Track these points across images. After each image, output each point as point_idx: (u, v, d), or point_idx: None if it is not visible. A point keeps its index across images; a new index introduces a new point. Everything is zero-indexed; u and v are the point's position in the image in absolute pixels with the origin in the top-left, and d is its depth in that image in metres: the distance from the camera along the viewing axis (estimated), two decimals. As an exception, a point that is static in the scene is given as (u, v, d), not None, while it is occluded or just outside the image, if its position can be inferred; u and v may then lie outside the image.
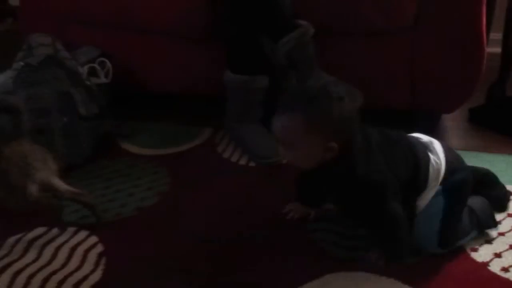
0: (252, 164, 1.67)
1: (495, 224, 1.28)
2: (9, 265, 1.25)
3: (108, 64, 1.84)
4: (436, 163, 1.18)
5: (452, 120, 1.89)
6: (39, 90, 1.57)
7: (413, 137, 1.24)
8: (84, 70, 1.75)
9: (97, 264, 1.25)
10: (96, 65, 1.82)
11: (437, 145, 1.22)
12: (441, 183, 1.19)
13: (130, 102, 2.00)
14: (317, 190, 1.30)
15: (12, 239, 1.35)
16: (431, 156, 1.18)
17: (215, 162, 1.69)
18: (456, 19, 1.56)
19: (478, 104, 1.92)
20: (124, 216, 1.44)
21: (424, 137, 1.24)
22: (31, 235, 1.36)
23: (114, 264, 1.25)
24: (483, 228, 1.25)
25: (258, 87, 1.69)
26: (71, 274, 1.22)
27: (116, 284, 1.19)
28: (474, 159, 1.56)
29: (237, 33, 1.64)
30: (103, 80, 1.82)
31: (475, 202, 1.26)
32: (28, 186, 1.22)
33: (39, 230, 1.38)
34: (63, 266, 1.25)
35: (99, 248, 1.31)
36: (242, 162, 1.68)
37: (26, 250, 1.31)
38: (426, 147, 1.20)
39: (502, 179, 1.43)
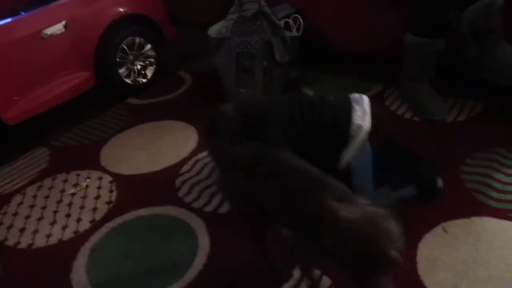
0: (416, 118, 1.85)
1: (436, 190, 1.39)
2: (219, 165, 1.72)
3: (300, 20, 2.16)
4: (361, 113, 1.35)
5: None
6: (249, 37, 1.96)
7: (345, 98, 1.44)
8: (281, 23, 2.10)
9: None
10: (290, 20, 2.16)
11: (366, 100, 1.39)
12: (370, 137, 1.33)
13: (315, 55, 2.30)
14: None
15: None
16: (357, 107, 1.36)
17: (383, 113, 1.91)
18: None
19: None
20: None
21: (356, 94, 1.43)
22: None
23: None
24: (422, 189, 1.37)
25: (436, 49, 1.81)
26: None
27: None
28: None
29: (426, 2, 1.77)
30: (294, 33, 2.15)
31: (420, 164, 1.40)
32: None
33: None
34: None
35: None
36: (407, 116, 1.87)
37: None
38: (353, 100, 1.40)
39: None
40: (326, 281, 1.21)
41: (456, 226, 1.32)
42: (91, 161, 1.85)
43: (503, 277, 1.15)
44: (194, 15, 3.13)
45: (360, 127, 1.35)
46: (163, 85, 2.42)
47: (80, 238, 1.47)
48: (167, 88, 2.38)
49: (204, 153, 1.80)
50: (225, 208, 1.51)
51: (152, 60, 2.40)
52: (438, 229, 1.32)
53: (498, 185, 1.45)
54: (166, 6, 2.52)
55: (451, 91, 1.96)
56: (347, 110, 1.38)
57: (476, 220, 1.33)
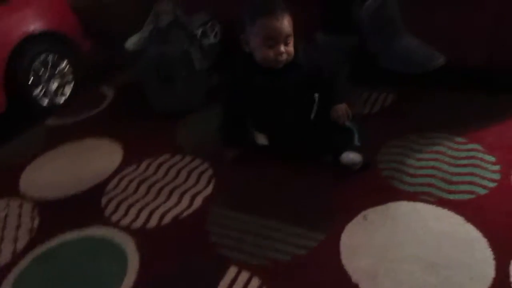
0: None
1: None
2: (145, 179, 1.69)
3: (217, 26, 2.19)
4: None
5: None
6: (166, 48, 1.96)
7: None
8: (198, 32, 2.11)
9: (208, 183, 1.63)
10: (207, 28, 2.17)
11: None
12: None
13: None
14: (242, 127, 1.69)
15: (146, 162, 1.79)
16: None
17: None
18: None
19: None
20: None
21: None
22: (159, 160, 1.79)
23: (221, 184, 1.62)
24: None
25: (347, 46, 1.90)
26: (190, 188, 1.62)
27: (222, 197, 1.56)
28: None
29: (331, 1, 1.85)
30: (212, 40, 2.17)
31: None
32: None
33: (165, 157, 1.80)
34: (184, 182, 1.65)
35: (210, 171, 1.69)
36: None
37: (156, 170, 1.74)
38: None
39: None
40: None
41: (375, 213, 1.39)
42: (10, 189, 1.76)
43: (417, 254, 1.23)
44: (111, 25, 3.06)
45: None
46: (84, 102, 2.35)
47: (1, 272, 1.40)
48: (88, 104, 2.31)
49: (130, 168, 1.77)
50: (153, 223, 1.49)
51: (70, 77, 2.33)
52: (358, 218, 1.39)
53: (410, 170, 1.54)
54: (80, 18, 2.46)
55: (365, 84, 2.06)
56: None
57: (392, 205, 1.41)
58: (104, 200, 1.62)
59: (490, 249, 1.22)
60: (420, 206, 1.39)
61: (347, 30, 1.88)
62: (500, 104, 1.80)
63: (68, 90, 2.32)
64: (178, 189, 1.63)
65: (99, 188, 1.69)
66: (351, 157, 1.53)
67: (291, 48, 1.50)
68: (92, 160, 1.86)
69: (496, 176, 1.46)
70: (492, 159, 1.54)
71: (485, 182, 1.44)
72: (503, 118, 1.72)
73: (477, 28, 1.79)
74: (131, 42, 2.16)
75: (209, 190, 1.60)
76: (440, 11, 1.81)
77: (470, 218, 1.32)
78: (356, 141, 1.56)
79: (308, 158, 1.62)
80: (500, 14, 1.74)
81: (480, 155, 1.56)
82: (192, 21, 2.17)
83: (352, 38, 1.89)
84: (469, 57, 1.85)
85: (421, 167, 1.55)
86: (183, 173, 1.70)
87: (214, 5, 2.24)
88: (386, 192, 1.47)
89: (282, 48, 1.47)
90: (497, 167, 1.50)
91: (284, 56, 1.49)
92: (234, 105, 1.65)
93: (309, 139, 1.61)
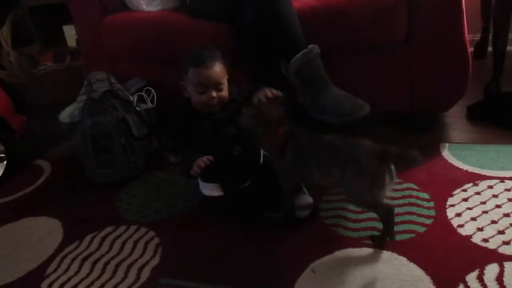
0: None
1: None
2: (88, 256, 1.62)
3: (153, 92, 2.21)
4: None
5: (452, 117, 2.11)
6: (101, 118, 1.94)
7: None
8: (134, 98, 2.12)
9: (155, 252, 1.59)
10: (143, 94, 2.19)
11: None
12: None
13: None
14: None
15: (88, 237, 1.73)
16: None
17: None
18: (441, 32, 1.81)
19: (476, 101, 2.13)
20: (174, 214, 1.78)
21: None
22: (102, 233, 1.73)
23: (169, 252, 1.58)
24: None
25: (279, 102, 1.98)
26: (136, 260, 1.57)
27: (170, 266, 1.52)
28: (468, 150, 1.81)
29: (260, 59, 1.94)
30: (149, 105, 2.18)
31: None
32: None
33: (109, 229, 1.75)
34: (130, 254, 1.60)
35: (156, 240, 1.65)
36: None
37: (100, 245, 1.68)
38: None
39: (494, 166, 1.69)
40: None
41: (323, 264, 1.41)
42: None
43: (365, 303, 1.25)
44: (45, 97, 3.02)
45: None
46: (19, 179, 2.25)
47: None
48: (23, 181, 2.22)
49: (72, 246, 1.69)
50: (99, 303, 1.43)
51: (2, 155, 2.23)
52: (308, 272, 1.39)
53: (352, 216, 1.59)
54: (13, 92, 2.40)
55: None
56: None
57: (338, 253, 1.44)
58: (44, 285, 1.53)
59: (433, 286, 1.26)
60: (365, 251, 1.43)
61: (277, 86, 1.96)
62: (423, 141, 1.94)
63: (0, 169, 2.22)
64: (124, 262, 1.57)
65: (38, 272, 1.59)
66: (305, 198, 1.59)
67: (224, 93, 1.61)
68: (30, 241, 1.76)
69: (432, 213, 1.54)
70: (426, 196, 1.63)
71: (422, 220, 1.51)
72: (428, 155, 1.84)
73: (393, 76, 1.95)
74: (65, 114, 2.12)
75: (156, 260, 1.55)
76: (357, 63, 1.96)
77: (412, 258, 1.37)
78: (304, 189, 1.62)
79: (256, 211, 1.63)
80: (410, 63, 1.90)
81: (415, 193, 1.65)
82: (127, 87, 2.18)
83: (283, 94, 1.97)
84: (391, 102, 1.99)
85: (363, 212, 1.60)
86: (129, 245, 1.65)
87: (147, 73, 2.27)
88: (331, 241, 1.50)
89: (213, 93, 1.57)
90: (431, 204, 1.58)
91: (215, 101, 1.59)
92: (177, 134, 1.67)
93: (260, 184, 1.65)
